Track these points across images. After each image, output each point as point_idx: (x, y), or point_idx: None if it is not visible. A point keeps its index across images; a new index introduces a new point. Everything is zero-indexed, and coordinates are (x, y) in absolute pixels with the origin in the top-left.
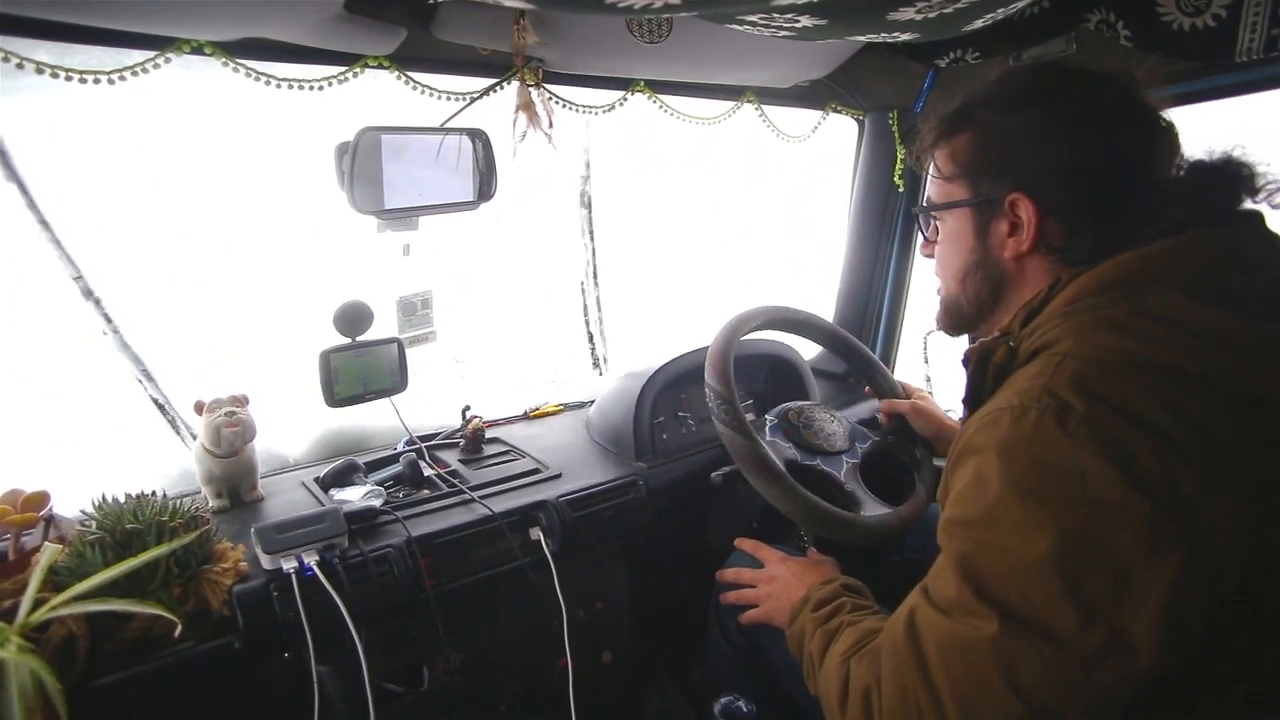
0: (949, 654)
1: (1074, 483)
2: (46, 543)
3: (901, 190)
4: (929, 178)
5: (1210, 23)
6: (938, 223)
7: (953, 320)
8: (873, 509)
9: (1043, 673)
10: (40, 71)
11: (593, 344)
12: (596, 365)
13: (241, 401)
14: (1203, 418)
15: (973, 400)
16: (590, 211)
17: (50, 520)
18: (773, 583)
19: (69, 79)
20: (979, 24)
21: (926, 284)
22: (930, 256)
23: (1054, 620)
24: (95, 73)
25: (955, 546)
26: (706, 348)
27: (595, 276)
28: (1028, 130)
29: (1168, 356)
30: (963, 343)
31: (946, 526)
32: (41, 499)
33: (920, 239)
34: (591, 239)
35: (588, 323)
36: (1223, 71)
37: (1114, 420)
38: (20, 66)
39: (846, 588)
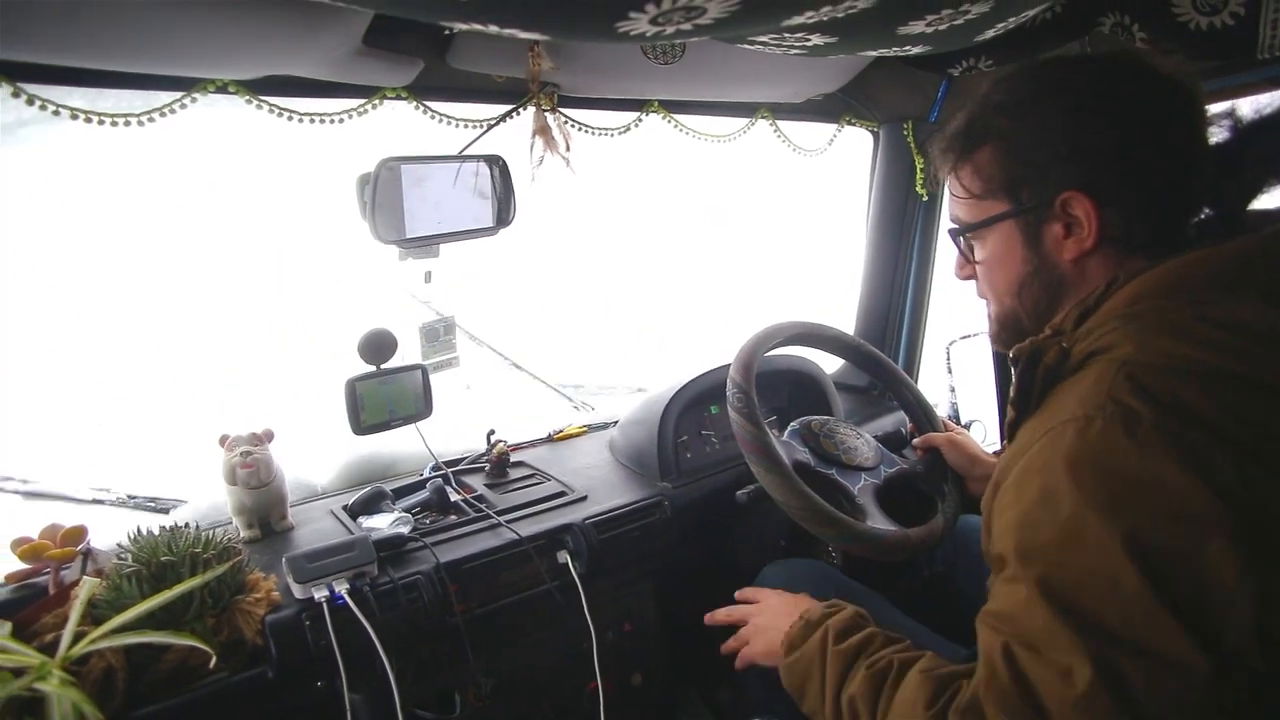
0: (1061, 696)
1: (1151, 493)
2: (85, 576)
3: (924, 199)
4: (952, 199)
5: (1229, 21)
6: (975, 242)
7: (1011, 335)
8: (879, 524)
9: (1160, 697)
10: (75, 117)
11: None
12: None
13: (262, 439)
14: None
15: (1020, 402)
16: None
17: (88, 554)
18: (761, 614)
19: (101, 123)
20: (990, 34)
21: (947, 293)
22: (970, 278)
23: (1163, 642)
24: (126, 116)
25: (1034, 573)
26: (727, 366)
27: None
28: (1057, 126)
29: (1238, 367)
30: (983, 349)
31: (1020, 554)
32: (79, 533)
33: (950, 257)
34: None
35: None
36: (1243, 70)
37: (1186, 427)
38: (56, 113)
39: (860, 615)
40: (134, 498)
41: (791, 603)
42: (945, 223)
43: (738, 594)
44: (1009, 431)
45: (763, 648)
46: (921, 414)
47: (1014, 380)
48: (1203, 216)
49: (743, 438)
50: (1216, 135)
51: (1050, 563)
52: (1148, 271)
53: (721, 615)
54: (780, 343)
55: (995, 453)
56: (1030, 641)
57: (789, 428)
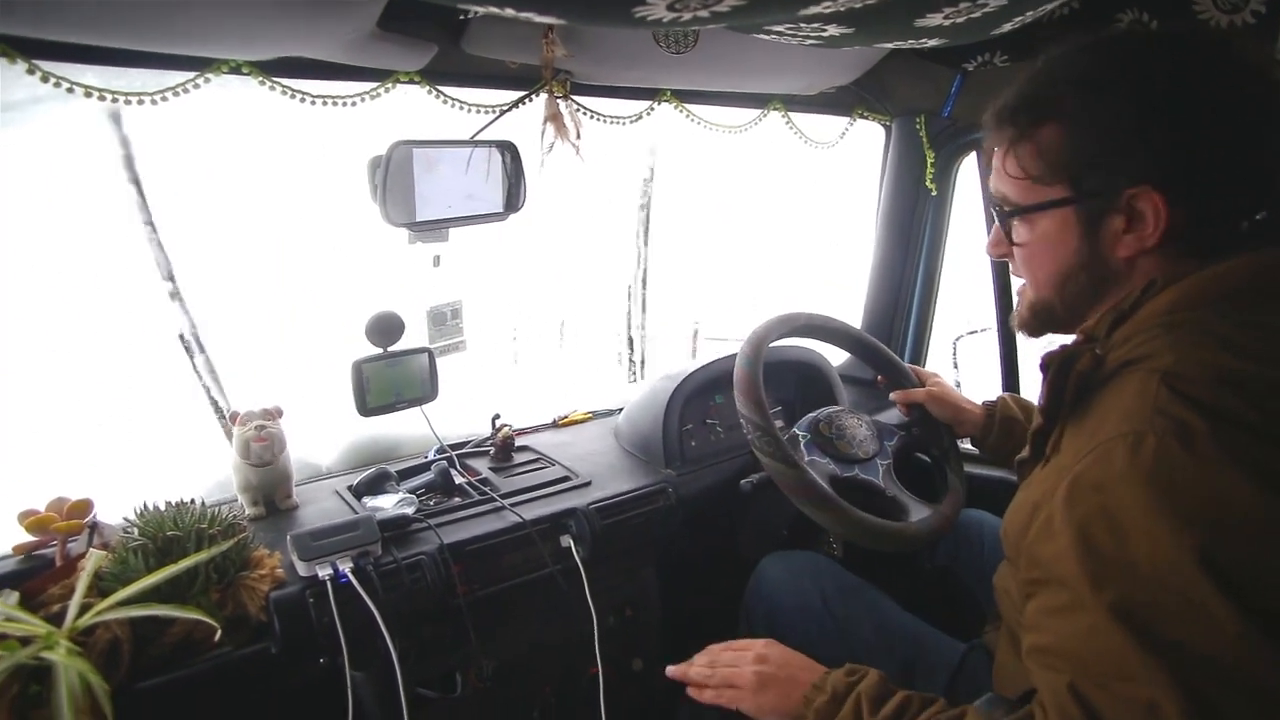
0: None
1: (1218, 506)
2: (91, 549)
3: (934, 194)
4: (1000, 175)
5: (1250, 19)
6: (1022, 225)
7: (1041, 323)
8: (917, 512)
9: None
10: (89, 95)
11: (631, 349)
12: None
13: (274, 414)
14: None
15: (1050, 410)
16: (647, 214)
17: (94, 527)
18: (756, 663)
19: (115, 101)
20: (1007, 27)
21: (955, 289)
22: (1004, 258)
23: (1254, 665)
24: (140, 94)
25: (1107, 598)
26: (733, 355)
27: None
28: (1137, 112)
29: None
30: (989, 344)
31: (1089, 579)
32: (86, 506)
33: (958, 249)
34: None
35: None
36: None
37: (1243, 436)
38: (70, 91)
39: (884, 677)
40: None
41: (792, 660)
42: (955, 218)
43: (703, 653)
44: (1035, 440)
45: (772, 704)
46: (898, 376)
47: (1044, 387)
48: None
49: (782, 481)
50: None
51: (1123, 587)
52: (1188, 278)
53: (698, 671)
54: (772, 339)
55: (983, 404)
56: (1100, 676)
57: (803, 439)
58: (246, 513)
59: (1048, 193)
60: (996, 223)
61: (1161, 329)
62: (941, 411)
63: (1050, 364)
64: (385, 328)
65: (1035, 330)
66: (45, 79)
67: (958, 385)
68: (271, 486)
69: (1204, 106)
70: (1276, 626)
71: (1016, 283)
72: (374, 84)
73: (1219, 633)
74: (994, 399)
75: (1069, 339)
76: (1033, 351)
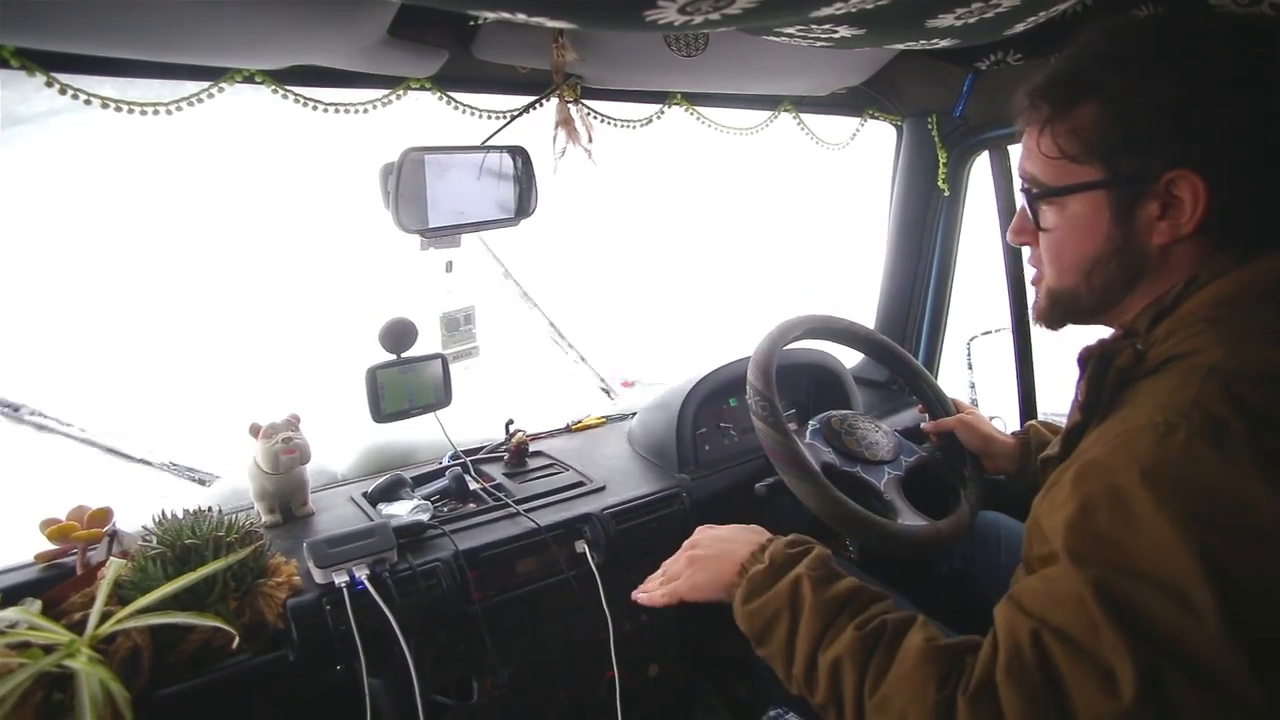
0: (1094, 698)
1: (1234, 510)
2: (112, 557)
3: (946, 194)
4: (1030, 154)
5: (1268, 11)
6: (1048, 208)
7: (1061, 313)
8: (910, 519)
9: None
10: (105, 106)
11: None
12: None
13: (294, 424)
14: None
15: (1088, 406)
16: None
17: (114, 535)
18: (698, 545)
19: (131, 112)
20: (1020, 28)
21: (968, 290)
22: (1027, 244)
23: (1221, 668)
24: (155, 105)
25: (1092, 574)
26: (747, 358)
27: None
28: (1181, 94)
29: None
30: (1004, 345)
31: (1076, 553)
32: (105, 515)
33: (967, 251)
34: None
35: None
36: None
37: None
38: (88, 103)
39: (830, 557)
40: (176, 465)
41: (727, 535)
42: (968, 218)
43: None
44: (1068, 437)
45: (707, 579)
46: (933, 398)
47: (1082, 384)
48: None
49: (771, 447)
50: None
51: (1111, 565)
52: (1234, 271)
53: (655, 581)
54: (798, 336)
55: (1013, 433)
56: (1070, 636)
57: (810, 427)
58: (263, 520)
59: (1081, 174)
60: (1023, 206)
61: (1207, 324)
62: (970, 439)
63: (1089, 359)
64: (398, 334)
65: (1054, 321)
66: (63, 91)
67: (972, 387)
68: (288, 494)
69: (1250, 90)
70: (1263, 645)
71: (1029, 276)
72: (385, 91)
73: (1197, 626)
74: (1023, 428)
75: (1098, 331)
76: (1045, 352)
